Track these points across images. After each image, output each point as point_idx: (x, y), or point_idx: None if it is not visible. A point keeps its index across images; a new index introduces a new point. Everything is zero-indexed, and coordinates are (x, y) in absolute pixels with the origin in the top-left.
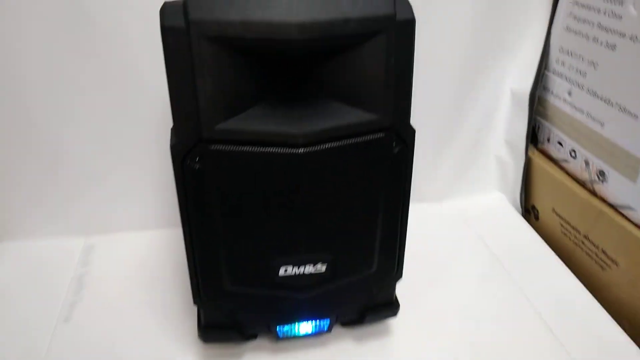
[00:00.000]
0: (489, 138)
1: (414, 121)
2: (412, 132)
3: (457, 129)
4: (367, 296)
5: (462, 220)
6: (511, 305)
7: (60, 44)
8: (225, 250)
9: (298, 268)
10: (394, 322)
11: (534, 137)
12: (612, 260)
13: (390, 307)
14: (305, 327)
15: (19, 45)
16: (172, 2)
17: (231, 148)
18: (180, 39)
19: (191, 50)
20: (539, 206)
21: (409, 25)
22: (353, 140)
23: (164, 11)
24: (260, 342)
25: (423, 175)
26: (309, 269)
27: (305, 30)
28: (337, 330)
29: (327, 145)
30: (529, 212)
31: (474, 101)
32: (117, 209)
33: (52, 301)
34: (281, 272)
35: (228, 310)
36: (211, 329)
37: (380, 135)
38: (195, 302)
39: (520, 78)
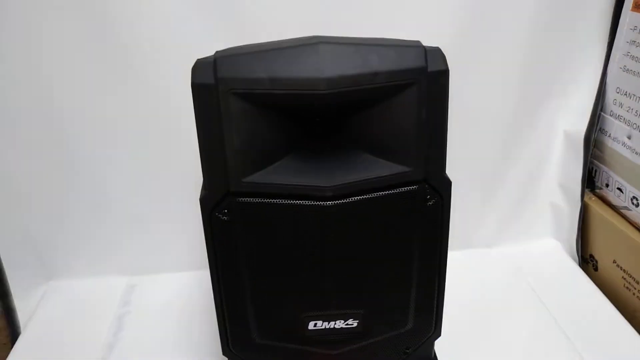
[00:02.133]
0: (542, 182)
1: (462, 165)
2: (448, 183)
3: (508, 172)
4: (402, 354)
5: (512, 268)
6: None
7: (106, 89)
8: (253, 303)
9: (328, 323)
10: None
11: (590, 182)
12: None
13: None
14: None
15: (66, 90)
16: (204, 59)
17: (259, 200)
18: (209, 95)
19: (219, 106)
20: (597, 256)
21: (442, 76)
22: (384, 193)
23: (195, 68)
24: None
25: (472, 220)
26: (339, 324)
27: (333, 85)
28: None
29: (357, 198)
30: (586, 262)
31: (526, 143)
32: (160, 250)
33: (92, 342)
34: (310, 326)
35: None
36: None
37: (413, 187)
38: (224, 352)
39: (574, 120)
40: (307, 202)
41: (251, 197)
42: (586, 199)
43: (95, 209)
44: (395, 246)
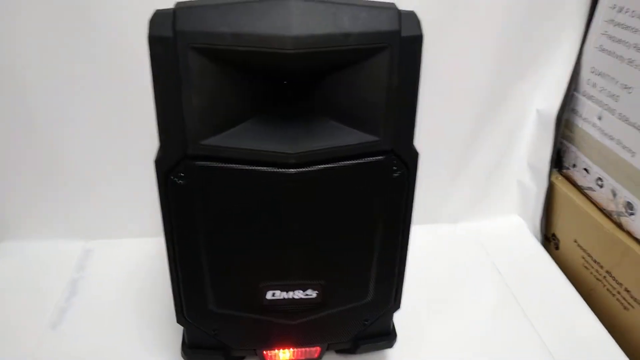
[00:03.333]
0: (512, 160)
1: (432, 139)
2: (415, 155)
3: (478, 149)
4: (361, 325)
5: (476, 244)
6: (522, 343)
7: (61, 47)
8: (209, 270)
9: (287, 293)
10: (391, 353)
11: (558, 161)
12: (636, 301)
13: (387, 337)
14: (293, 353)
15: (20, 48)
16: (163, 10)
17: (218, 165)
18: (167, 49)
19: (178, 61)
20: (560, 235)
21: (416, 42)
22: (350, 163)
23: (153, 19)
24: None
25: (439, 195)
26: (298, 294)
27: (301, 44)
28: (330, 356)
29: (321, 167)
30: (548, 240)
31: (498, 121)
32: (118, 215)
33: (43, 305)
34: (269, 296)
35: (212, 332)
36: (195, 349)
37: (380, 158)
38: (178, 321)
39: (547, 98)
40: (269, 169)
41: (210, 161)
42: (553, 178)
43: (51, 169)
44: (358, 217)
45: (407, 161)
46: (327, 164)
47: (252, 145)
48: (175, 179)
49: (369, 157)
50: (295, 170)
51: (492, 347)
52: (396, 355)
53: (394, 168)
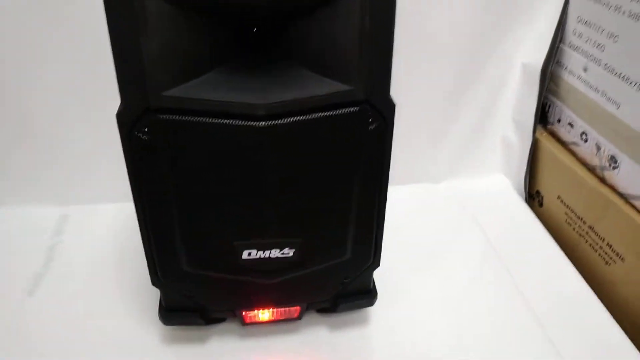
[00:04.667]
0: (496, 116)
1: (412, 95)
2: (392, 106)
3: (460, 105)
4: (340, 284)
5: (459, 203)
6: (503, 298)
7: (27, 8)
8: (181, 230)
9: (263, 252)
10: (372, 311)
11: (543, 116)
12: (618, 255)
13: (367, 296)
14: (273, 313)
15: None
16: None
17: (183, 118)
18: None
19: (133, 4)
20: (544, 192)
21: None
22: (322, 114)
23: None
24: (228, 324)
25: (421, 154)
26: (275, 253)
27: None
28: (311, 316)
29: (293, 119)
30: (533, 197)
31: (481, 75)
32: (94, 179)
33: (20, 271)
34: (244, 255)
35: (188, 293)
36: (172, 311)
37: (354, 109)
38: (153, 283)
39: (532, 51)
40: (237, 122)
41: (174, 115)
42: (537, 134)
43: (24, 134)
44: (333, 173)
45: (384, 112)
46: (299, 115)
47: (219, 96)
48: (139, 134)
49: (343, 108)
50: (265, 122)
51: (474, 305)
52: (377, 313)
53: (370, 119)
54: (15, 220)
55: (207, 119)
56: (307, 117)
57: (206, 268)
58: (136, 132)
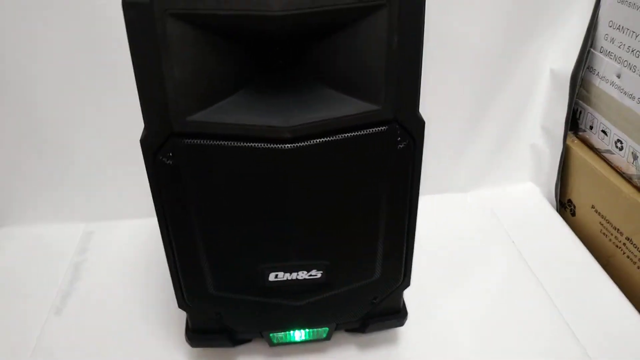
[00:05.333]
0: (524, 124)
1: (438, 103)
2: (421, 124)
3: (488, 113)
4: (369, 304)
5: (488, 213)
6: (538, 315)
7: (68, 44)
8: (206, 253)
9: (290, 274)
10: (402, 330)
11: (574, 123)
12: None
13: (397, 315)
14: (301, 334)
15: (31, 46)
16: None
17: (207, 142)
18: (143, 16)
19: (156, 29)
20: (576, 201)
21: None
22: (349, 135)
23: None
24: (255, 345)
25: (448, 163)
26: (302, 275)
27: (289, 5)
28: (341, 335)
29: (318, 141)
30: (564, 207)
31: (509, 82)
32: (118, 196)
33: (47, 291)
34: (271, 277)
35: (215, 316)
36: (199, 333)
37: (382, 129)
38: (179, 305)
39: (562, 57)
40: (262, 145)
41: (198, 139)
42: (568, 141)
43: (50, 152)
44: (361, 192)
45: (412, 131)
46: (325, 137)
47: (243, 119)
48: (164, 159)
49: (370, 127)
50: (290, 145)
51: (506, 321)
52: (407, 331)
53: (398, 139)
54: (39, 237)
55: (230, 143)
56: (332, 138)
57: (233, 291)
58: (160, 157)
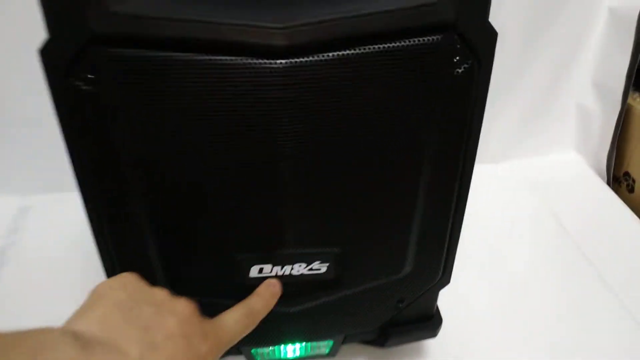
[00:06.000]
0: (570, 78)
1: None
2: (492, 37)
3: (528, 63)
4: (393, 309)
5: (525, 188)
6: (598, 308)
7: None
8: (155, 237)
9: (282, 268)
10: (433, 344)
11: (637, 79)
12: None
13: (428, 324)
14: (294, 350)
15: None
16: None
17: (148, 54)
18: None
19: None
20: (636, 174)
21: None
22: (380, 47)
23: None
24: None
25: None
26: (299, 269)
27: None
28: (348, 346)
29: (331, 55)
30: (619, 181)
31: (555, 24)
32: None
33: None
34: (253, 273)
35: None
36: None
37: (435, 38)
38: None
39: None
40: (240, 60)
41: (134, 48)
42: (630, 100)
43: None
44: (392, 143)
45: (478, 47)
46: (341, 49)
47: (209, 14)
48: (78, 82)
49: (414, 36)
50: (285, 61)
51: (564, 319)
52: (440, 345)
53: (456, 58)
54: None
55: (189, 55)
56: (352, 51)
57: (196, 292)
58: (73, 79)
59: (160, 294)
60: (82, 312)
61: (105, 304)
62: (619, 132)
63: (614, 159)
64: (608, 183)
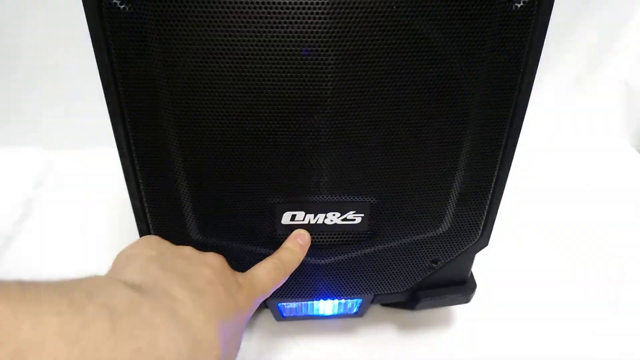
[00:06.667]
0: (613, 51)
1: None
2: None
3: (570, 30)
4: (426, 269)
5: (564, 166)
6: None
7: None
8: (188, 176)
9: (315, 216)
10: (459, 308)
11: None
12: None
13: (462, 288)
14: (322, 306)
15: None
16: None
17: None
18: None
19: None
20: None
21: None
22: None
23: None
24: (255, 317)
25: None
26: (333, 218)
27: None
28: (375, 310)
29: None
30: None
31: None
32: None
33: None
34: (285, 220)
35: None
36: None
37: None
38: None
39: None
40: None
41: None
42: None
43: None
44: (436, 86)
45: None
46: None
47: None
48: (117, 1)
49: None
50: None
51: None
52: (467, 309)
53: None
54: None
55: None
56: None
57: (226, 237)
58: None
59: (187, 249)
60: (114, 272)
61: (137, 261)
62: None
63: None
64: None
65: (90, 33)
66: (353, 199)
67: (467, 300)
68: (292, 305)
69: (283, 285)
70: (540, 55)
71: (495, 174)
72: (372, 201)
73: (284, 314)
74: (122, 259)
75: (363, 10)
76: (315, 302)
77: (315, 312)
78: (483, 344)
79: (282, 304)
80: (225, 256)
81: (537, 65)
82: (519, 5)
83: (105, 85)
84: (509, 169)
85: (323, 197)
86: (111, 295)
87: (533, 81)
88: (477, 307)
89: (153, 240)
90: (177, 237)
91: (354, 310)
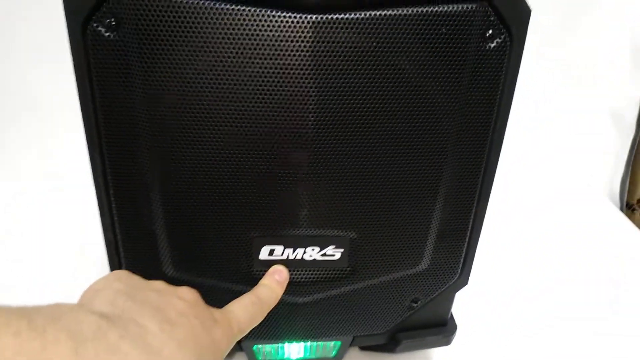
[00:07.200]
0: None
1: None
2: (525, 14)
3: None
4: (406, 309)
5: (532, 208)
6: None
7: None
8: (163, 207)
9: (293, 251)
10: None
11: None
12: None
13: (442, 330)
14: (299, 349)
15: None
16: None
17: (175, 1)
18: None
19: None
20: None
21: None
22: (414, 10)
23: None
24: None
25: None
26: (312, 253)
27: None
28: (353, 354)
29: (362, 15)
30: (632, 209)
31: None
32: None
33: None
34: (262, 255)
35: None
36: None
37: (468, 7)
38: None
39: None
40: (269, 13)
41: None
42: None
43: None
44: (416, 119)
45: (511, 22)
46: (373, 9)
47: None
48: (100, 27)
49: (446, 3)
50: (315, 17)
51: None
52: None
53: (489, 32)
54: None
55: (215, 3)
56: (387, 12)
57: (200, 272)
58: (94, 24)
59: (159, 283)
60: (81, 305)
61: (106, 294)
62: (632, 157)
63: (627, 185)
64: (621, 209)
65: (73, 61)
66: (333, 233)
67: (447, 343)
68: (268, 348)
69: (259, 324)
70: (513, 94)
71: (473, 211)
72: (352, 235)
73: (259, 357)
74: (90, 292)
75: (345, 46)
76: (292, 345)
77: (291, 357)
78: None
79: (258, 346)
80: (199, 293)
81: (510, 104)
82: (492, 45)
83: (86, 116)
84: (486, 207)
85: (302, 230)
86: (76, 321)
87: (507, 119)
88: (457, 349)
89: (123, 274)
90: (150, 272)
91: (332, 354)
